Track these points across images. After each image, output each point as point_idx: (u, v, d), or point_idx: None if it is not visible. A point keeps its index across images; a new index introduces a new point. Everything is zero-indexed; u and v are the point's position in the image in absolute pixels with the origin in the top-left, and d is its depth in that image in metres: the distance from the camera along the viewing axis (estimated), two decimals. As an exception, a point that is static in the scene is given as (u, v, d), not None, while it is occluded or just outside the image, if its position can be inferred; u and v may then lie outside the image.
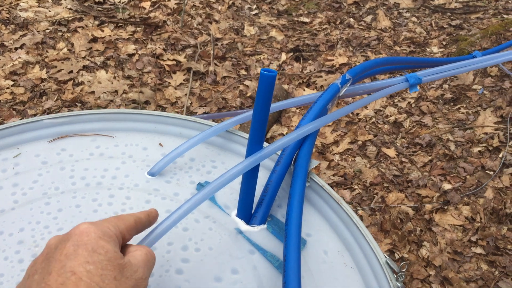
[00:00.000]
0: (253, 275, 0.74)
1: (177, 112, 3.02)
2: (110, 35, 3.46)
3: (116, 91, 3.09)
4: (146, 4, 3.82)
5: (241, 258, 0.76)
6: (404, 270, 0.73)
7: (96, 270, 0.48)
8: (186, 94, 3.11)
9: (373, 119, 3.02)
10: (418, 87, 1.32)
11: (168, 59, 3.36)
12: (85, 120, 0.98)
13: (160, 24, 3.67)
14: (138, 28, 3.60)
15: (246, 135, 0.98)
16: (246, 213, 0.84)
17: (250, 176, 0.80)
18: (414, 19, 3.99)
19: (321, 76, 3.31)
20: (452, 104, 3.07)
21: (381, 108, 3.06)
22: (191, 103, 3.08)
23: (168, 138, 0.99)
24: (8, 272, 0.69)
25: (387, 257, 0.75)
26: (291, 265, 0.67)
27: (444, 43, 3.63)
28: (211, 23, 3.83)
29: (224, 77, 3.28)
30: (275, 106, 1.00)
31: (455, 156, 2.71)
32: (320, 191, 0.87)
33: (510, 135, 2.72)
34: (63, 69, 3.11)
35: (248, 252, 0.78)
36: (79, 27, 3.48)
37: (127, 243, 0.59)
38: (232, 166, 0.91)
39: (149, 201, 0.84)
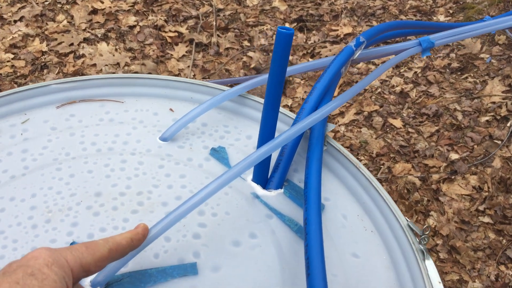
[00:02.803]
0: (271, 239, 0.72)
1: (180, 85, 2.98)
2: (110, 7, 3.40)
3: (118, 64, 3.04)
4: (146, -25, 3.74)
5: (258, 223, 0.75)
6: (427, 233, 0.71)
7: None
8: (188, 66, 3.07)
9: (379, 90, 2.98)
10: (430, 51, 1.28)
11: (170, 31, 3.30)
12: (93, 86, 0.95)
13: (161, -5, 3.59)
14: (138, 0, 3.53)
15: (259, 99, 0.95)
16: (262, 178, 0.82)
17: (266, 140, 0.78)
18: (419, -13, 3.91)
19: (326, 47, 3.25)
20: (459, 73, 3.03)
21: (387, 79, 3.01)
22: (194, 75, 3.04)
23: (179, 103, 0.96)
24: (22, 238, 0.68)
25: (408, 220, 0.73)
26: (313, 228, 0.65)
27: (451, 11, 3.56)
28: (212, -7, 3.75)
29: (227, 49, 3.23)
30: (290, 70, 0.97)
31: (462, 125, 2.68)
32: (338, 155, 0.85)
33: (518, 104, 2.68)
34: (63, 42, 3.05)
35: (265, 216, 0.76)
36: (78, -2, 3.41)
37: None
38: (245, 131, 0.88)
39: (163, 166, 0.82)
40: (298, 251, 0.71)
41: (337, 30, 3.37)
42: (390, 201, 0.77)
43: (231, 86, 0.96)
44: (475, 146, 2.57)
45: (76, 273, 0.50)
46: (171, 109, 0.94)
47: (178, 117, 0.91)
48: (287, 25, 3.41)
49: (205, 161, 0.85)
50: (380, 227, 0.76)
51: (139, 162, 0.82)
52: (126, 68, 3.00)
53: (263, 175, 0.81)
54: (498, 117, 2.68)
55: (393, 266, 0.71)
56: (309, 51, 3.24)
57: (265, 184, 0.81)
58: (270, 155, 0.81)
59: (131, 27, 3.29)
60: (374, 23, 3.46)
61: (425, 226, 0.71)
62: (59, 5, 3.35)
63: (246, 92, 0.95)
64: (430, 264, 0.68)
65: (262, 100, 0.94)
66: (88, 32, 3.17)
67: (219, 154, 0.86)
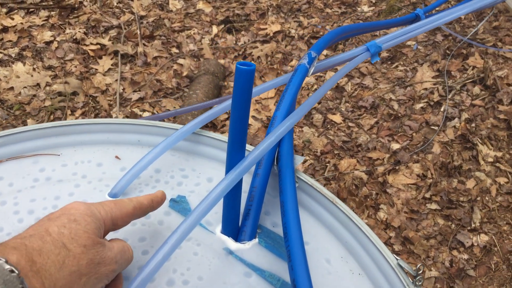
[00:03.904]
0: (255, 302, 0.64)
1: (109, 101, 2.81)
2: (22, 23, 3.13)
3: (38, 84, 2.81)
4: (58, -15, 3.49)
5: (237, 284, 0.66)
6: (420, 272, 0.66)
7: (69, 233, 0.51)
8: (116, 80, 2.90)
9: (315, 86, 2.97)
10: (378, 56, 1.25)
11: (91, 44, 3.10)
12: (21, 139, 0.82)
13: (76, 5, 3.37)
14: (52, 12, 3.29)
15: (215, 135, 0.86)
16: (233, 228, 0.73)
17: (234, 188, 0.69)
18: (340, -21, 3.94)
19: (257, 47, 3.19)
20: (389, 62, 3.08)
21: (322, 74, 3.00)
22: (123, 89, 2.88)
23: (125, 149, 0.85)
24: None
25: (398, 258, 0.68)
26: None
27: (374, 1, 3.61)
28: (132, 0, 3.57)
29: (155, 58, 3.08)
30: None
31: (399, 115, 2.72)
32: (310, 190, 0.78)
33: (448, 88, 2.76)
34: (-28, 66, 2.78)
35: (243, 275, 0.68)
36: (-16, 16, 3.12)
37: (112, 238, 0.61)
38: (204, 173, 0.79)
39: (117, 230, 0.71)
40: (286, 311, 0.63)
41: (266, 28, 3.32)
42: (374, 238, 0.71)
43: (173, 118, 0.86)
44: (414, 134, 2.62)
45: (107, 225, 0.58)
46: (117, 157, 0.83)
47: (126, 166, 0.81)
48: (214, 27, 3.31)
49: (165, 216, 0.75)
50: (367, 268, 0.70)
51: (88, 229, 0.71)
52: (47, 88, 2.78)
53: (234, 225, 0.73)
54: (432, 103, 2.75)
55: (388, 311, 0.66)
56: (240, 52, 3.17)
57: (237, 235, 0.73)
58: (239, 201, 0.73)
59: (48, 43, 3.06)
60: (302, 19, 3.45)
61: (418, 265, 0.66)
62: (-38, 26, 3.05)
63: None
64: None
65: (218, 136, 0.85)
66: (0, 52, 2.90)
67: (180, 205, 0.76)
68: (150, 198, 0.65)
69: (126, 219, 0.61)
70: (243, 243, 0.72)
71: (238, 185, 0.71)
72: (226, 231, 0.73)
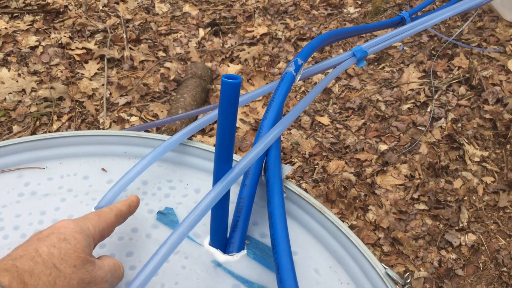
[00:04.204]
0: (244, 315, 0.64)
1: (96, 106, 2.79)
2: (6, 28, 3.10)
3: (24, 90, 2.79)
4: (42, -11, 3.46)
5: (226, 297, 0.66)
6: (408, 281, 0.66)
7: (59, 254, 0.51)
8: (103, 85, 2.88)
9: (303, 88, 2.97)
10: (365, 60, 1.26)
11: (77, 48, 3.07)
12: (5, 153, 0.81)
13: (61, 9, 3.34)
14: (37, 17, 3.26)
15: (202, 145, 0.86)
16: (221, 240, 0.73)
17: (221, 199, 0.69)
18: (326, -20, 3.95)
19: (244, 49, 3.19)
20: (376, 64, 3.09)
21: (309, 77, 3.01)
22: (110, 94, 2.86)
23: (111, 161, 0.84)
24: None
25: (386, 267, 0.68)
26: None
27: (359, 2, 3.63)
28: (117, 3, 3.55)
29: (142, 61, 3.07)
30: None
31: (386, 115, 2.74)
32: (298, 200, 0.78)
33: (435, 88, 2.78)
34: (-44, 73, 2.75)
35: (232, 287, 0.67)
36: (-33, 22, 3.09)
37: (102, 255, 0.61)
38: (191, 184, 0.79)
39: (104, 245, 0.71)
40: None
41: (253, 31, 3.32)
42: (362, 247, 0.71)
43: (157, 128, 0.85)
44: (401, 135, 2.64)
45: (96, 239, 0.58)
46: (103, 169, 0.83)
47: (113, 178, 0.80)
48: (201, 30, 3.30)
49: (153, 229, 0.74)
50: (355, 277, 0.70)
51: (75, 244, 0.70)
52: (33, 94, 2.75)
53: (222, 236, 0.73)
54: (418, 103, 2.77)
55: (376, 320, 0.66)
56: (227, 55, 3.16)
57: (225, 247, 0.73)
58: (227, 213, 0.73)
59: (33, 48, 3.03)
60: (288, 20, 3.45)
61: (407, 274, 0.66)
62: None
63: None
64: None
65: (205, 146, 0.85)
66: (-16, 59, 2.87)
67: (167, 217, 0.76)
68: (127, 204, 0.67)
69: (111, 229, 0.62)
70: (232, 255, 0.72)
71: (226, 196, 0.70)
72: (214, 243, 0.73)
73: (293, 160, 2.60)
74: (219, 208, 0.70)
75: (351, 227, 2.29)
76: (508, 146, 2.48)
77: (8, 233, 0.71)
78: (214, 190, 0.65)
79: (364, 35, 3.14)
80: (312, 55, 3.07)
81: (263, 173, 0.79)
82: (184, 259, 0.70)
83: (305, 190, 2.43)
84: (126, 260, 0.69)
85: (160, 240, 0.72)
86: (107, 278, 0.56)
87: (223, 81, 0.61)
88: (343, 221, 2.31)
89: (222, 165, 0.68)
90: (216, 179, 0.68)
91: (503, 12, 3.09)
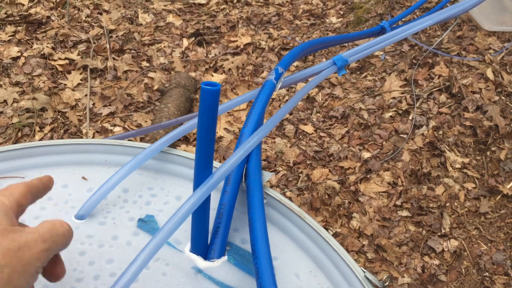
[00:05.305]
0: (225, 321, 0.64)
1: (79, 116, 2.77)
2: (-13, 39, 3.08)
3: (5, 101, 2.76)
4: (24, 0, 3.44)
5: (207, 303, 0.66)
6: (387, 284, 0.67)
7: None
8: (86, 95, 2.86)
9: (286, 97, 2.99)
10: (346, 69, 1.28)
11: (60, 58, 3.06)
12: (-16, 163, 0.80)
13: (43, 20, 3.33)
14: (19, 28, 3.24)
15: (182, 153, 0.86)
16: (202, 246, 0.73)
17: (202, 205, 0.69)
18: (309, -10, 4.00)
19: (228, 59, 3.21)
20: (358, 72, 3.13)
21: (293, 86, 3.03)
22: (93, 104, 2.84)
23: (91, 169, 0.84)
24: None
25: (365, 271, 0.69)
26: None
27: (341, 12, 3.68)
28: (101, 14, 3.55)
29: (125, 72, 3.06)
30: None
31: (369, 124, 2.76)
32: (278, 205, 0.79)
33: (416, 97, 2.82)
34: None
35: (213, 293, 0.68)
36: None
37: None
38: (173, 191, 0.79)
39: (84, 252, 0.71)
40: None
41: (236, 40, 3.34)
42: (342, 252, 0.72)
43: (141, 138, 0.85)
44: (384, 143, 2.66)
45: (14, 208, 0.55)
46: (83, 178, 0.82)
47: (93, 187, 0.80)
48: (185, 40, 3.31)
49: (133, 236, 0.74)
50: (335, 281, 0.71)
51: (55, 252, 0.70)
52: (15, 105, 2.73)
53: (203, 243, 0.73)
54: (400, 111, 2.80)
55: (357, 324, 0.67)
56: (211, 65, 3.18)
57: (206, 253, 0.73)
58: (208, 219, 0.73)
59: (15, 59, 3.01)
60: (272, 30, 3.48)
61: (385, 277, 0.67)
62: None
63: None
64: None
65: (186, 154, 0.85)
66: (-35, 69, 2.84)
67: (148, 225, 0.76)
68: (37, 179, 0.63)
69: (27, 197, 0.59)
70: (212, 261, 0.72)
71: (206, 202, 0.71)
72: (195, 249, 0.73)
73: (277, 168, 2.61)
74: (200, 214, 0.71)
75: (336, 234, 2.30)
76: (488, 153, 2.52)
77: (-13, 243, 0.70)
78: (194, 196, 0.66)
79: (346, 44, 3.17)
80: (295, 65, 3.10)
81: (243, 180, 0.80)
82: (165, 266, 0.70)
83: (290, 198, 2.44)
84: (106, 267, 0.69)
85: (140, 248, 0.72)
86: (44, 238, 0.52)
87: (203, 88, 0.62)
88: (327, 229, 2.32)
89: (202, 172, 0.69)
90: (196, 186, 0.69)
91: (481, 21, 3.15)
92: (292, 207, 0.77)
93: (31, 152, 0.82)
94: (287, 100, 2.97)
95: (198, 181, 0.68)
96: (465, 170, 2.46)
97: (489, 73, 2.84)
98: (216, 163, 0.83)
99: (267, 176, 0.80)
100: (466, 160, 2.50)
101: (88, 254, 0.70)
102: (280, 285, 0.69)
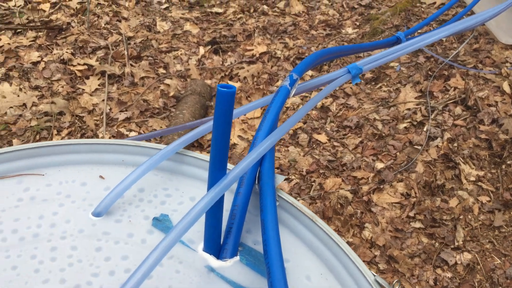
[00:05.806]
0: (235, 319, 0.65)
1: (96, 121, 2.82)
2: (9, 43, 3.15)
3: (25, 104, 2.82)
4: (46, 6, 3.52)
5: (218, 301, 0.67)
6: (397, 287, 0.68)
7: None
8: (103, 100, 2.91)
9: (300, 106, 3.00)
10: (360, 78, 1.29)
11: (79, 64, 3.12)
12: (5, 160, 0.83)
13: (64, 26, 3.40)
14: (40, 33, 3.31)
15: (198, 155, 0.88)
16: (215, 246, 0.74)
17: (215, 206, 0.71)
18: (325, 1, 4.02)
19: (243, 68, 3.23)
20: (373, 83, 3.13)
21: (307, 94, 3.05)
22: (110, 109, 2.89)
23: (109, 169, 0.86)
24: None
25: (375, 275, 0.70)
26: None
27: (358, 23, 3.69)
28: (120, 21, 3.61)
29: (142, 78, 3.11)
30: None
31: (383, 134, 2.76)
32: (291, 208, 0.80)
33: (431, 108, 2.82)
34: (-42, 86, 2.78)
35: (225, 292, 0.69)
36: (-29, 37, 3.13)
37: None
38: (187, 192, 0.81)
39: (100, 248, 0.73)
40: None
41: (252, 49, 3.37)
42: (353, 255, 0.73)
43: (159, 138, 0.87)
44: (398, 154, 2.66)
45: None
46: (101, 177, 0.85)
47: (110, 185, 0.82)
48: (201, 48, 3.35)
49: (148, 234, 0.76)
50: (346, 284, 0.72)
51: (72, 247, 0.72)
52: (34, 108, 2.78)
53: (215, 242, 0.74)
54: (415, 123, 2.80)
55: (366, 327, 0.67)
56: (227, 73, 3.21)
57: (218, 253, 0.74)
58: (221, 219, 0.74)
59: (35, 64, 3.07)
60: (287, 40, 3.51)
61: (394, 281, 0.67)
62: (-51, 46, 3.06)
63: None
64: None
65: (201, 156, 0.87)
66: (-14, 73, 2.91)
67: (162, 224, 0.78)
68: None
69: None
70: (225, 260, 0.73)
71: (220, 203, 0.72)
72: (208, 249, 0.74)
73: (290, 177, 2.61)
74: (213, 214, 0.72)
75: (347, 244, 2.29)
76: (503, 166, 2.50)
77: (7, 236, 0.73)
78: (208, 195, 0.67)
79: (361, 55, 3.18)
80: (310, 74, 3.12)
81: (257, 182, 0.81)
82: (178, 264, 0.72)
83: (302, 207, 2.44)
84: (122, 263, 0.71)
85: (155, 245, 0.74)
86: None
87: (218, 90, 0.64)
88: (339, 238, 2.31)
89: (216, 173, 0.70)
90: (210, 186, 0.70)
91: (498, 34, 3.14)
92: (304, 210, 0.78)
93: (50, 150, 0.85)
94: (301, 109, 2.98)
95: (212, 181, 0.70)
96: (479, 183, 2.44)
97: (506, 87, 2.82)
98: (230, 165, 0.84)
99: (280, 179, 0.81)
100: (481, 173, 2.48)
101: (104, 250, 0.72)
102: (291, 287, 0.70)
